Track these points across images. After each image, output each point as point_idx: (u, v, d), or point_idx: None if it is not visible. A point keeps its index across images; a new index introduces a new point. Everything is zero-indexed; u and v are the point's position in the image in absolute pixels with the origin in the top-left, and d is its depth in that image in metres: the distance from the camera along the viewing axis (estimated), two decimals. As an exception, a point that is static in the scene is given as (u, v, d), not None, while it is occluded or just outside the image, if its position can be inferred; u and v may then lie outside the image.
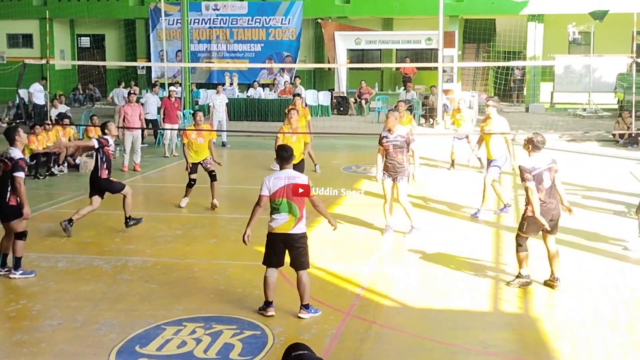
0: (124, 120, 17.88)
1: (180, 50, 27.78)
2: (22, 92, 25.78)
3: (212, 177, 13.39)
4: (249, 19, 31.76)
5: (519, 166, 8.86)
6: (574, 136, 22.05)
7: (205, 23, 32.06)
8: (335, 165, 18.35)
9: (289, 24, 31.42)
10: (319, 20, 32.08)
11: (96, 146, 11.64)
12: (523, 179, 8.71)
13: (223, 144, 21.71)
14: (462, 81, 31.83)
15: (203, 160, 13.45)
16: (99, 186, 11.74)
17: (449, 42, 27.61)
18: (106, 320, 8.05)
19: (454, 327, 7.94)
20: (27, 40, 34.94)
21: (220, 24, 32.05)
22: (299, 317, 8.07)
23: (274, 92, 28.46)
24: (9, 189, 9.36)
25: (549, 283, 9.03)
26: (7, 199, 9.38)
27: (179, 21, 27.75)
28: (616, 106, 27.09)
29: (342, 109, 28.97)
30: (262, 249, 10.50)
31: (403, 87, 28.22)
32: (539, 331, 7.74)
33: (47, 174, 16.93)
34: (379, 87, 31.25)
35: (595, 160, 18.77)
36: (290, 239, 8.04)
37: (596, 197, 13.94)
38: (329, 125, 23.63)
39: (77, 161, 17.85)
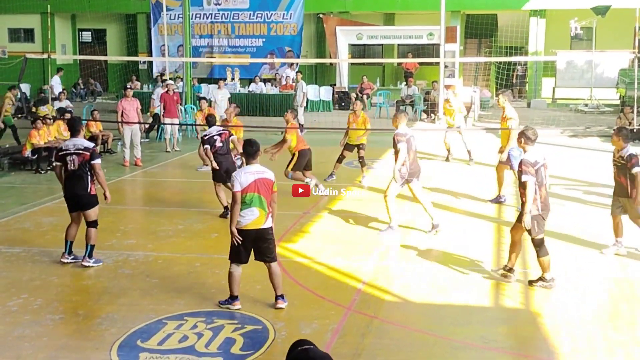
0: (122, 115, 17.83)
1: (181, 45, 27.75)
2: (24, 87, 25.78)
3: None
4: (250, 14, 31.72)
5: (522, 159, 8.67)
6: (575, 132, 22.05)
7: (207, 18, 32.02)
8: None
9: (290, 18, 31.38)
10: (321, 15, 32.04)
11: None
12: (523, 172, 8.54)
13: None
14: (464, 76, 31.80)
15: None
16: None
17: (451, 38, 27.57)
18: (107, 314, 8.07)
19: (454, 322, 7.95)
20: (28, 34, 34.92)
21: (221, 18, 32.01)
22: (278, 308, 8.12)
23: (274, 86, 28.44)
24: (89, 178, 9.68)
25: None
26: (89, 189, 9.70)
27: (181, 16, 27.76)
28: (618, 102, 27.07)
29: (343, 104, 28.96)
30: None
31: (404, 83, 28.22)
32: (540, 327, 7.75)
33: (49, 168, 16.90)
34: (380, 83, 31.22)
35: (597, 155, 18.74)
36: (262, 234, 8.01)
37: (597, 193, 13.92)
38: (330, 121, 23.62)
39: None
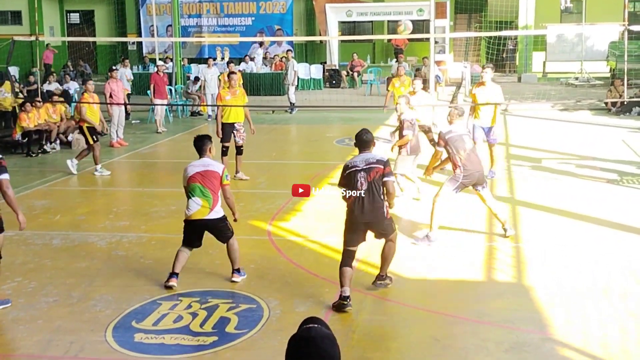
0: (110, 96, 17.81)
1: (170, 25, 27.61)
2: (12, 69, 25.62)
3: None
4: (239, -8, 31.57)
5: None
6: (566, 105, 22.06)
7: (195, -3, 31.84)
8: (328, 138, 18.35)
9: (279, -4, 31.24)
10: (310, -7, 31.90)
11: None
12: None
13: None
14: (455, 52, 31.74)
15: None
16: None
17: (441, 13, 27.50)
18: (102, 296, 8.08)
19: (448, 297, 7.99)
20: (15, 17, 34.65)
21: (210, -3, 31.83)
22: (233, 282, 8.32)
23: (265, 65, 28.33)
24: None
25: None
26: None
27: (169, -5, 27.56)
28: (608, 74, 27.08)
29: (334, 82, 28.90)
30: (258, 223, 10.59)
31: (395, 59, 28.15)
32: (533, 300, 7.79)
33: (40, 151, 16.89)
34: (371, 60, 31.16)
35: (588, 129, 18.79)
36: (209, 224, 8.18)
37: (589, 166, 13.97)
38: (321, 99, 23.59)
39: (70, 138, 17.79)
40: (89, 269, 8.99)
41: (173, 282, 8.21)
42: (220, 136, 13.27)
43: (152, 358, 6.70)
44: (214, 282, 8.46)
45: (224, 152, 13.36)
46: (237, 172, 13.41)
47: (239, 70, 26.99)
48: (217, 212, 8.16)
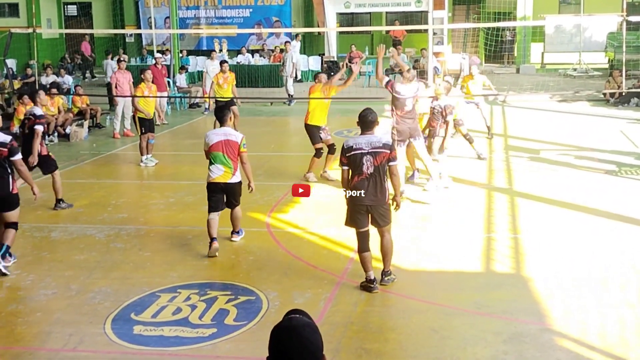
0: (115, 87, 17.87)
1: (168, 17, 27.55)
2: (10, 62, 25.56)
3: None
4: (236, -16, 31.46)
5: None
6: (564, 96, 22.04)
7: (193, -12, 31.73)
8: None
9: (277, -12, 31.13)
10: (308, -16, 31.78)
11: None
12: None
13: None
14: (453, 43, 31.66)
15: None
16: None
17: (439, 4, 27.37)
18: (101, 288, 8.08)
19: (447, 289, 7.99)
20: (13, 9, 34.48)
21: (208, -11, 31.72)
22: (232, 241, 9.43)
23: (262, 57, 28.28)
24: (10, 176, 8.58)
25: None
26: (11, 188, 8.62)
27: (167, -13, 27.49)
28: (607, 65, 27.04)
29: (332, 73, 28.77)
30: (256, 215, 10.61)
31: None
32: (532, 291, 7.80)
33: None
34: (369, 51, 31.07)
35: (586, 120, 18.78)
36: (229, 187, 9.10)
37: (587, 157, 13.97)
38: (320, 90, 23.48)
39: (67, 130, 17.76)
40: (87, 262, 8.99)
41: (215, 245, 9.04)
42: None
43: (151, 350, 6.71)
44: (212, 274, 8.48)
45: (319, 154, 12.89)
46: (324, 171, 12.95)
47: (237, 62, 27.11)
48: (237, 177, 9.14)
